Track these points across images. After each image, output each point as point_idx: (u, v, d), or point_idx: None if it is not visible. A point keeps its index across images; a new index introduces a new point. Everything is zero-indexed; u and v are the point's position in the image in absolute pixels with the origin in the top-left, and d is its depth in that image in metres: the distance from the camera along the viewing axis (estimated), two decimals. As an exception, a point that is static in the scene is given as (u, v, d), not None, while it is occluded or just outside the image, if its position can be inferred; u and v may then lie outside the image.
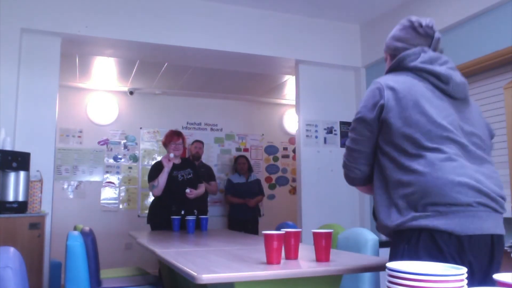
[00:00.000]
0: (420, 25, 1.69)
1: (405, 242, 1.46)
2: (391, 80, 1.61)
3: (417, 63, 1.62)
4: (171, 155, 3.91)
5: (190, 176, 4.03)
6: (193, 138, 6.12)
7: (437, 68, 1.61)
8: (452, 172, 1.44)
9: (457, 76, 1.63)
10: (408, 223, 1.45)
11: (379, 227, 1.59)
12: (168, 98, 6.49)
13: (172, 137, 3.98)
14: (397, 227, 1.48)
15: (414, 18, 1.72)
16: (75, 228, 3.19)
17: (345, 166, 1.74)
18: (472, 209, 1.42)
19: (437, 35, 1.70)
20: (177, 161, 4.05)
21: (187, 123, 6.54)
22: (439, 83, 1.60)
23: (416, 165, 1.47)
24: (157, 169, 3.97)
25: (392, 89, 1.57)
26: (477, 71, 3.56)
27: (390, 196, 1.52)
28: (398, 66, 1.68)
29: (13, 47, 3.75)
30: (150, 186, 3.98)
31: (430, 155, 1.47)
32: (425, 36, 1.69)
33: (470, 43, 3.65)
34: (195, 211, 4.02)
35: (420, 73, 1.62)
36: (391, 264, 0.95)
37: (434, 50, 1.69)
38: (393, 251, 1.51)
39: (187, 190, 3.90)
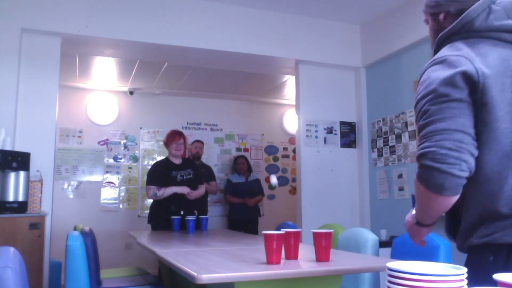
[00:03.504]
0: None
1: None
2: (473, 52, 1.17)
3: (492, 21, 1.21)
4: (186, 191, 3.89)
5: (190, 176, 4.02)
6: (193, 138, 6.11)
7: None
8: None
9: None
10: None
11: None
12: (168, 98, 6.49)
13: (174, 137, 3.99)
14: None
15: None
16: (75, 228, 3.19)
17: (439, 158, 1.10)
18: None
19: None
20: (178, 161, 4.04)
21: (187, 123, 6.54)
22: None
23: None
24: (157, 171, 3.96)
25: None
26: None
27: None
28: (460, 30, 1.24)
29: (13, 47, 3.75)
30: (150, 191, 3.89)
31: None
32: None
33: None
34: (195, 211, 4.02)
35: (498, 34, 1.21)
36: (391, 264, 0.95)
37: None
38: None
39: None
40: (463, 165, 1.09)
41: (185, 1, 4.33)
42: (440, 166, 1.09)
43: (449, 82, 1.14)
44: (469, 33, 1.22)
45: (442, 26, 1.32)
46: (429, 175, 1.11)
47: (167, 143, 4.02)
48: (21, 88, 3.81)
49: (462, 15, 1.23)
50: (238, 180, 5.93)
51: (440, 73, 1.17)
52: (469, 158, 1.10)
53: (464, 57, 1.16)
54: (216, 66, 5.08)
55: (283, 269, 1.70)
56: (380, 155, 4.66)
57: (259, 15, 4.57)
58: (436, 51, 1.31)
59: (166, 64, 5.20)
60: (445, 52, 1.22)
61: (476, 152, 1.12)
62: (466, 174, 1.11)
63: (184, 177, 3.99)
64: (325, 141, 4.83)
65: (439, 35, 1.29)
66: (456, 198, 1.14)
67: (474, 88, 1.13)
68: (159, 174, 3.94)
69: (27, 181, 3.48)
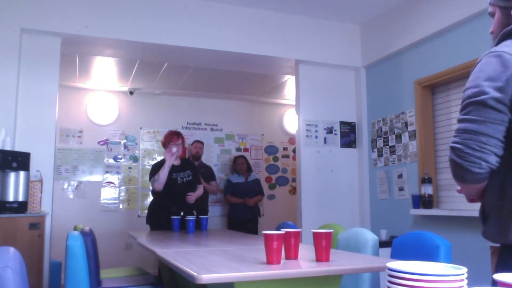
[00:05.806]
0: None
1: None
2: None
3: None
4: (174, 149, 3.87)
5: (189, 178, 4.02)
6: (193, 138, 6.12)
7: None
8: None
9: None
10: None
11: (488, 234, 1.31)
12: (168, 98, 6.49)
13: (172, 138, 3.98)
14: None
15: None
16: (75, 228, 3.18)
17: (463, 156, 1.22)
18: None
19: None
20: (177, 162, 4.04)
21: (187, 123, 6.54)
22: None
23: None
24: (158, 168, 3.97)
25: None
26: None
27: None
28: None
29: (13, 47, 3.75)
30: (151, 181, 3.98)
31: None
32: None
33: (471, 43, 3.65)
34: (195, 211, 4.02)
35: None
36: (391, 264, 0.95)
37: None
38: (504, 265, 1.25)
39: (188, 196, 3.90)
40: (482, 164, 1.20)
41: (185, 1, 4.33)
42: (461, 162, 1.23)
43: (495, 85, 1.20)
44: None
45: (510, 22, 1.35)
46: (453, 168, 1.26)
47: (165, 144, 4.02)
48: (21, 88, 3.81)
49: None
50: (238, 180, 5.93)
51: (491, 70, 1.22)
52: (491, 158, 1.20)
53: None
54: (216, 66, 5.08)
55: (283, 269, 1.70)
56: (380, 155, 4.66)
57: (259, 15, 4.57)
58: (497, 44, 1.35)
59: (166, 64, 5.19)
60: (503, 47, 1.27)
61: (501, 152, 1.21)
62: (484, 171, 1.21)
63: (184, 180, 3.99)
64: (325, 141, 4.83)
65: (504, 30, 1.34)
66: (480, 185, 1.26)
67: None
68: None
69: (27, 181, 3.48)
